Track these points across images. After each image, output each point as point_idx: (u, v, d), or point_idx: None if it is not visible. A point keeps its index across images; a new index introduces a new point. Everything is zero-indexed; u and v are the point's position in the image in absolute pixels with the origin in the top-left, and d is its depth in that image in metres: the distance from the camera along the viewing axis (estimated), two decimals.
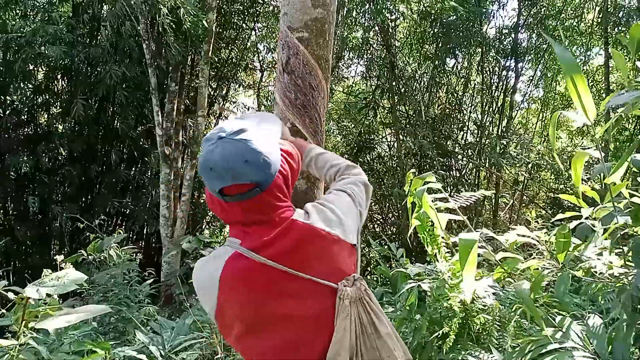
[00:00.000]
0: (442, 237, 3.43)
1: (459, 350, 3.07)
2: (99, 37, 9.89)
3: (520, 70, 13.34)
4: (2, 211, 9.75)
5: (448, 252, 3.51)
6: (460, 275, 3.84)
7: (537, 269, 3.39)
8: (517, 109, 14.27)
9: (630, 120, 13.07)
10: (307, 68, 2.61)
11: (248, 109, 12.66)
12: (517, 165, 12.29)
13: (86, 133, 9.95)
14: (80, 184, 9.66)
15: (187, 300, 8.89)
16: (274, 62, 12.69)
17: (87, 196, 10.00)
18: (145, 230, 10.90)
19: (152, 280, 6.85)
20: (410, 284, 3.69)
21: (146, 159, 9.75)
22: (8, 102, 9.85)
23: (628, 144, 12.67)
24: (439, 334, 3.18)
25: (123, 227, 10.77)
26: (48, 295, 2.76)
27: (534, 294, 3.24)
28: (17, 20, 9.07)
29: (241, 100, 13.04)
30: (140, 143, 10.33)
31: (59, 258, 3.53)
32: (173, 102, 9.05)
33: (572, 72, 2.24)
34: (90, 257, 5.83)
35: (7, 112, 9.72)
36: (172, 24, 8.34)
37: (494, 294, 3.82)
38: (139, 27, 8.69)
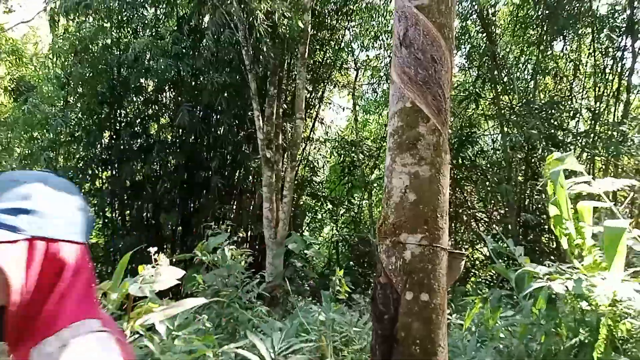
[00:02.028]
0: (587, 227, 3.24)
1: None
2: (201, 48, 10.47)
3: (637, 49, 12.32)
4: (120, 217, 10.58)
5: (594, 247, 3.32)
6: (606, 270, 3.62)
7: None
8: (636, 92, 13.20)
9: None
10: (428, 39, 2.55)
11: (343, 110, 12.82)
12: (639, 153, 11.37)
13: (192, 141, 10.56)
14: (188, 190, 10.25)
15: (292, 301, 9.17)
16: (368, 61, 12.74)
17: (194, 202, 10.59)
18: (249, 233, 11.35)
19: (257, 281, 7.07)
20: (539, 284, 3.53)
21: (249, 163, 10.16)
22: (123, 114, 10.69)
23: None
24: (575, 341, 3.01)
25: (228, 230, 11.29)
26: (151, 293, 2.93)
27: None
28: (129, 37, 9.83)
29: (336, 101, 13.21)
30: (243, 148, 10.77)
31: (157, 255, 3.58)
32: (272, 106, 9.36)
33: None
34: (203, 257, 6.15)
35: (122, 124, 10.54)
36: (268, 28, 8.62)
37: None
38: (237, 35, 9.07)
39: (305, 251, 9.40)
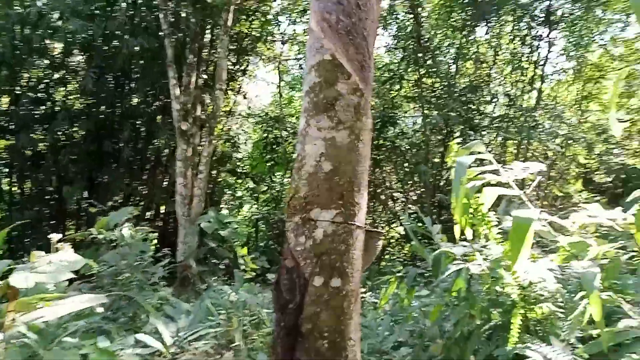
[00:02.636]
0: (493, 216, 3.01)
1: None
2: (115, 10, 9.54)
3: (552, 40, 12.62)
4: (19, 190, 9.55)
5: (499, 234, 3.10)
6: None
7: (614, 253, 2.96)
8: (548, 80, 13.59)
9: None
10: None
11: (268, 84, 12.24)
12: (548, 139, 11.70)
13: (102, 110, 9.66)
14: (96, 162, 9.39)
15: (203, 281, 8.65)
16: (295, 35, 12.22)
17: (102, 175, 9.74)
18: (162, 209, 10.64)
19: (167, 261, 6.49)
20: (457, 265, 3.29)
21: (164, 135, 9.42)
22: (24, 78, 9.58)
23: None
24: (489, 324, 2.78)
25: (140, 206, 10.54)
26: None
27: (608, 281, 2.81)
28: None
29: (261, 75, 12.61)
30: (158, 119, 10.01)
31: (54, 237, 3.08)
32: (191, 75, 8.68)
33: None
34: (100, 236, 5.49)
35: (24, 88, 9.45)
36: None
37: (555, 278, 3.40)
38: None
39: (221, 231, 8.89)
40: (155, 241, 6.26)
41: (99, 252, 6.17)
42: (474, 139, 11.45)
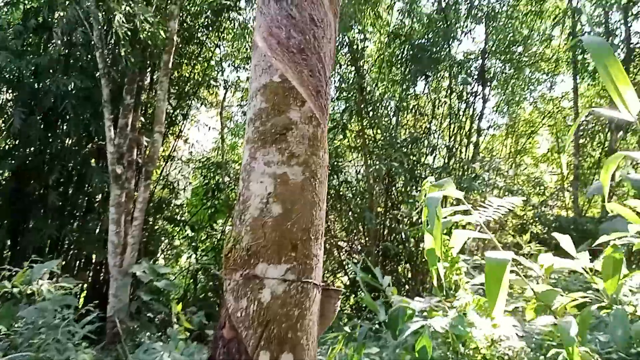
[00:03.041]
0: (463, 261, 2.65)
1: None
2: (49, 47, 8.89)
3: (486, 96, 12.96)
4: None
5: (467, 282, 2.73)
6: (486, 309, 3.06)
7: (585, 304, 2.64)
8: (484, 134, 13.87)
9: (595, 148, 12.83)
10: None
11: (209, 129, 11.73)
12: (487, 190, 11.76)
13: (31, 151, 8.81)
14: (19, 207, 8.46)
15: (136, 338, 7.78)
16: (239, 81, 11.90)
17: (27, 221, 8.79)
18: (93, 259, 9.71)
19: (94, 316, 5.72)
20: (417, 322, 2.88)
21: (96, 180, 8.65)
22: None
23: (594, 169, 12.39)
24: None
25: (69, 255, 9.58)
26: None
27: (582, 335, 2.49)
28: None
29: (204, 120, 12.12)
30: (92, 162, 9.23)
31: None
32: (127, 116, 8.07)
33: (604, 60, 1.59)
34: (14, 289, 4.71)
35: None
36: (128, 32, 7.44)
37: (519, 335, 3.07)
38: (92, 35, 7.74)
39: (156, 282, 8.09)
40: (84, 293, 5.51)
41: (19, 307, 5.35)
42: (416, 189, 11.38)
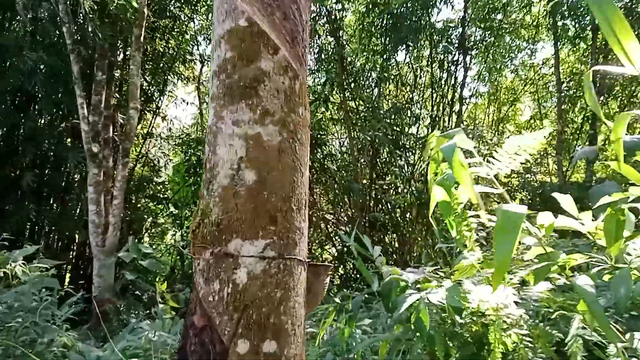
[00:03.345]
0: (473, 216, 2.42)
1: None
2: (13, 24, 8.39)
3: (468, 64, 12.70)
4: None
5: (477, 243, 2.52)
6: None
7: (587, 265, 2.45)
8: (466, 103, 13.66)
9: (577, 114, 12.72)
10: None
11: (187, 104, 11.30)
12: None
13: (2, 131, 8.38)
14: None
15: (122, 318, 7.54)
16: None
17: (3, 203, 8.40)
18: (76, 240, 9.38)
19: (76, 298, 5.46)
20: (414, 295, 2.68)
21: (73, 159, 8.26)
22: None
23: (577, 135, 12.29)
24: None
25: (50, 237, 9.24)
26: None
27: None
28: None
29: (181, 96, 11.68)
30: (68, 141, 8.83)
31: None
32: (100, 93, 7.66)
33: (605, 10, 1.37)
34: None
35: None
36: (95, 5, 7.00)
37: (516, 302, 2.88)
38: (58, 9, 7.27)
39: (141, 261, 7.82)
40: (68, 274, 5.23)
41: None
42: (401, 159, 11.18)
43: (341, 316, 3.77)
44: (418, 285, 3.08)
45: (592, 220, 2.44)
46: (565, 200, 2.43)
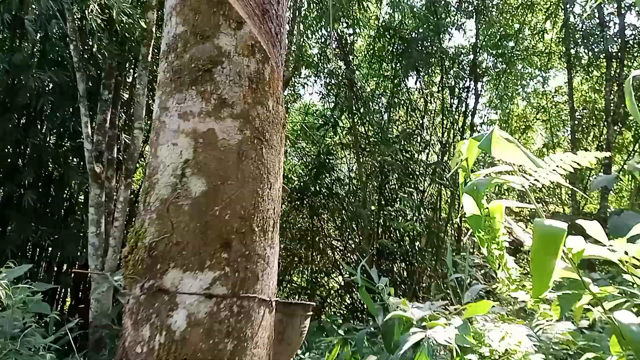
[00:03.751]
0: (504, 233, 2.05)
1: None
2: (23, 42, 8.25)
3: (479, 91, 12.40)
4: None
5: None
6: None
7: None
8: (477, 130, 13.27)
9: (590, 143, 12.27)
10: None
11: None
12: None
13: (5, 151, 8.15)
14: None
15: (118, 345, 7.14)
16: None
17: (3, 223, 8.13)
18: (76, 262, 9.03)
19: (73, 324, 5.10)
20: (417, 335, 2.28)
21: (76, 179, 7.99)
22: None
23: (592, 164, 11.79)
24: None
25: (51, 258, 8.91)
26: None
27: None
28: None
29: None
30: (71, 161, 8.58)
31: None
32: (106, 112, 7.41)
33: None
34: None
35: None
36: (103, 23, 6.82)
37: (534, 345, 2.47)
38: (66, 27, 7.10)
39: None
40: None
41: None
42: (410, 185, 10.77)
43: (345, 349, 3.37)
44: (424, 323, 2.67)
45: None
46: (593, 227, 2.02)
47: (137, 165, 9.30)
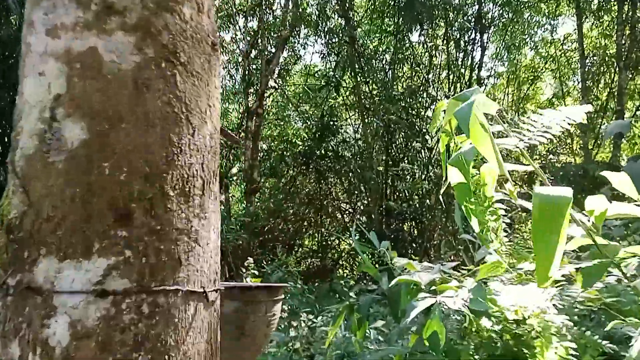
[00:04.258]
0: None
1: None
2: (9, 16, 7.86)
3: (485, 43, 11.77)
4: None
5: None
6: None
7: None
8: (484, 84, 12.71)
9: (601, 90, 11.71)
10: None
11: None
12: None
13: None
14: None
15: None
16: (222, 41, 10.75)
17: None
18: None
19: None
20: (426, 301, 1.98)
21: None
22: None
23: (602, 112, 11.27)
24: None
25: None
26: None
27: None
28: None
29: None
30: None
31: None
32: None
33: None
34: None
35: None
36: None
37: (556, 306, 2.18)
38: None
39: None
40: None
41: None
42: (418, 144, 10.34)
43: (354, 315, 3.08)
44: (433, 287, 2.35)
45: None
46: (619, 179, 1.62)
47: None
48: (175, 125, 0.71)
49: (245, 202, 9.58)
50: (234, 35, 10.44)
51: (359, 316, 3.13)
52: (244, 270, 5.07)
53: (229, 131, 0.98)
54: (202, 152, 0.76)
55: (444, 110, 1.96)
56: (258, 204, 10.68)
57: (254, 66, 9.99)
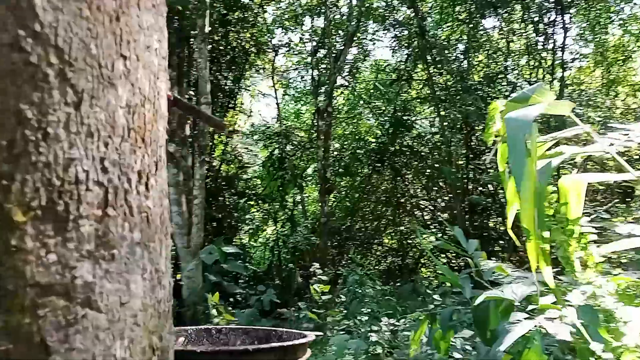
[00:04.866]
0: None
1: None
2: None
3: (566, 24, 10.57)
4: None
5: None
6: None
7: None
8: (568, 68, 11.47)
9: None
10: None
11: (264, 96, 10.50)
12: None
13: None
14: None
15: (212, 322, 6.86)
16: (290, 44, 10.51)
17: None
18: None
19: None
20: (520, 323, 1.45)
21: None
22: None
23: None
24: None
25: None
26: None
27: None
28: None
29: (264, 90, 10.92)
30: None
31: None
32: (172, 90, 7.00)
33: None
34: None
35: None
36: None
37: None
38: None
39: (224, 265, 7.14)
40: None
41: None
42: None
43: (434, 326, 2.55)
44: (532, 306, 1.77)
45: None
46: None
47: (212, 142, 8.97)
48: (34, 87, 0.29)
49: (320, 202, 9.26)
50: (301, 36, 10.18)
51: (438, 329, 2.59)
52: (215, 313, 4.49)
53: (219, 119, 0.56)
54: (102, 140, 0.33)
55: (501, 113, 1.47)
56: (334, 203, 10.35)
57: (323, 65, 9.66)
